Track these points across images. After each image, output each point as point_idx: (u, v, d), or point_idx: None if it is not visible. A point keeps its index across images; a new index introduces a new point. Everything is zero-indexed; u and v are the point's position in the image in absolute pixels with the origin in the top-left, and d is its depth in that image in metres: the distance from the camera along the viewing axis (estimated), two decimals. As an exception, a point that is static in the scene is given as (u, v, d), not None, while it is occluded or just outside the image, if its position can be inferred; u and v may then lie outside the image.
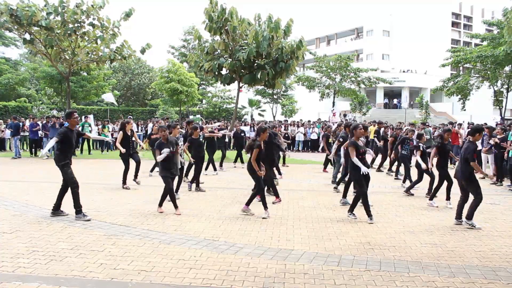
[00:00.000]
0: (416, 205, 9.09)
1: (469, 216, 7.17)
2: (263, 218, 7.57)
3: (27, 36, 20.83)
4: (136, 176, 11.15)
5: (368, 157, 8.11)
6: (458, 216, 7.38)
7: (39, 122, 19.94)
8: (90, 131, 20.33)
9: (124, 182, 10.78)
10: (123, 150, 10.60)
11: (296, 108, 39.44)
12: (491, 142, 12.77)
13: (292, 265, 5.23)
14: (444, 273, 5.03)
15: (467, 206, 7.28)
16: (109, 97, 30.32)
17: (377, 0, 63.63)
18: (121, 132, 10.79)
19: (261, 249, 5.82)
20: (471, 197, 7.26)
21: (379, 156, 15.69)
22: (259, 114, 40.41)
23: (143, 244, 5.94)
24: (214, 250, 5.74)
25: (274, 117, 38.80)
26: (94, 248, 5.74)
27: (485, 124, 16.66)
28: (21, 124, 20.37)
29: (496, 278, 4.91)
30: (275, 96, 40.03)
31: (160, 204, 8.00)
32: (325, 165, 15.00)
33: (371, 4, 65.63)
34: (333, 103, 36.47)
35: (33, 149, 19.55)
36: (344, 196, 9.12)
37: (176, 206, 7.90)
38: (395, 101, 57.74)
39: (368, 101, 41.17)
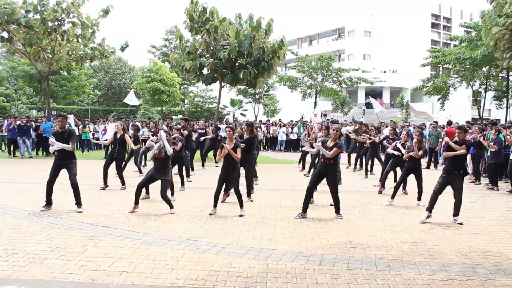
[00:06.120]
0: (397, 204, 9.18)
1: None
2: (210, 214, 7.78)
3: (5, 34, 20.39)
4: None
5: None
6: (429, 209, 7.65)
7: (12, 122, 19.32)
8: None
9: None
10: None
11: (278, 108, 39.51)
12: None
13: (274, 264, 5.24)
14: (424, 270, 5.10)
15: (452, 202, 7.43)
16: (131, 99, 27.70)
17: (359, 1, 64.26)
18: None
19: (243, 249, 5.82)
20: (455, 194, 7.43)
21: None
22: (241, 114, 40.40)
23: (124, 245, 5.89)
24: (196, 250, 5.72)
25: (256, 117, 38.82)
26: (74, 249, 5.66)
27: (468, 123, 16.79)
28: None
29: (474, 275, 5.00)
30: (257, 96, 40.07)
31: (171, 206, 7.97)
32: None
33: (353, 5, 66.23)
34: (315, 103, 36.66)
35: (11, 150, 19.09)
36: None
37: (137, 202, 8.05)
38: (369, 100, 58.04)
39: (350, 101, 41.50)
